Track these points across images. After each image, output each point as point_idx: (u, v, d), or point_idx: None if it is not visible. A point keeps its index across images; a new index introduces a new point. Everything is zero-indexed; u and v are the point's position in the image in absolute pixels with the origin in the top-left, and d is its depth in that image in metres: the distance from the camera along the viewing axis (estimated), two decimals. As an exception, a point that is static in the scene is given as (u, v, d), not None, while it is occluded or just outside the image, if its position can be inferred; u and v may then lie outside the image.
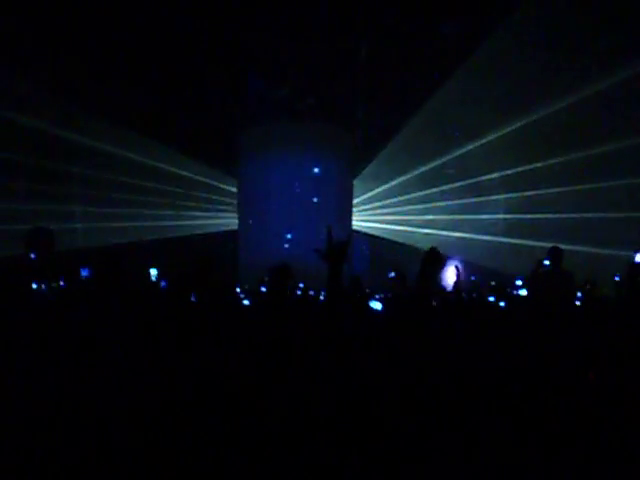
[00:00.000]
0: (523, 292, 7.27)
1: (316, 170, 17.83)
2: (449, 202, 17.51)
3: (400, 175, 17.78)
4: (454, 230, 17.41)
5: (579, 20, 12.04)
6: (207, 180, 18.54)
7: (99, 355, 3.29)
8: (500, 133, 15.13)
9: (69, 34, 12.94)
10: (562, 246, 6.61)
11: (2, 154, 13.61)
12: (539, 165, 15.00)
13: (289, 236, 17.61)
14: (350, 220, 18.27)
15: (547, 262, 6.61)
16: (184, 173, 17.77)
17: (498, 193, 16.86)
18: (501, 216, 17.10)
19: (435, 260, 3.74)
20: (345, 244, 3.25)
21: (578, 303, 7.02)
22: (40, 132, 14.25)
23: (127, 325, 3.70)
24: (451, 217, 17.55)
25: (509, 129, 14.88)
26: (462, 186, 17.04)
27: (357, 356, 3.37)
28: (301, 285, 11.20)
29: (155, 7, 12.81)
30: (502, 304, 7.45)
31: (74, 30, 12.86)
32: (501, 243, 16.60)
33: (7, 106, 13.13)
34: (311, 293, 10.22)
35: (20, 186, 15.02)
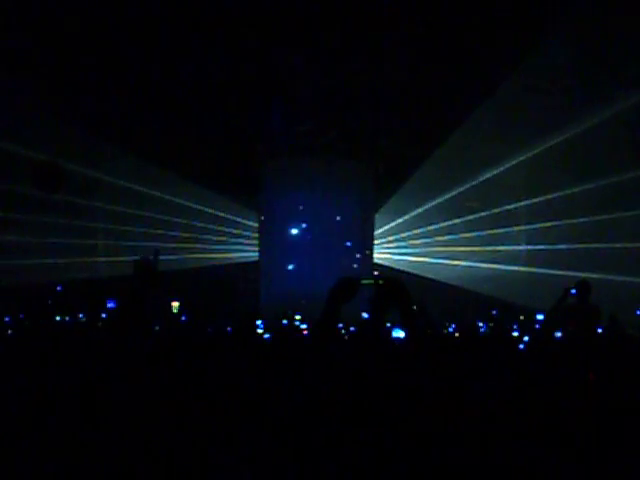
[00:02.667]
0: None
1: (338, 204, 17.86)
2: (472, 233, 17.43)
3: (421, 207, 17.77)
4: (476, 261, 17.32)
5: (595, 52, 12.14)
6: (228, 213, 18.65)
7: (118, 389, 3.31)
8: (522, 162, 15.12)
9: (89, 68, 13.18)
10: (583, 274, 6.54)
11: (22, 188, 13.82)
12: (562, 194, 14.94)
13: (310, 269, 17.60)
14: (371, 253, 18.25)
15: (573, 292, 6.53)
16: (206, 208, 17.93)
17: (520, 223, 16.79)
18: (523, 247, 17.00)
19: None
20: (354, 284, 3.24)
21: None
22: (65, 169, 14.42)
23: (147, 360, 3.72)
24: (472, 248, 17.47)
25: (531, 158, 14.87)
26: (484, 217, 16.98)
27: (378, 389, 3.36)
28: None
29: (179, 39, 13.00)
30: (526, 339, 7.38)
31: (94, 64, 13.08)
32: (522, 274, 16.48)
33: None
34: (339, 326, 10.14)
35: (43, 220, 15.22)
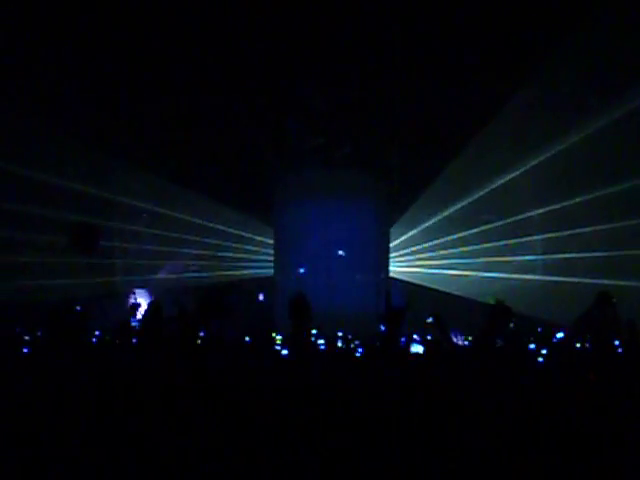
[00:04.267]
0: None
1: (352, 219, 17.91)
2: (487, 244, 17.37)
3: (436, 218, 17.75)
4: (492, 271, 17.26)
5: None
6: (245, 229, 18.72)
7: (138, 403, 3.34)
8: (536, 168, 15.12)
9: (98, 84, 13.31)
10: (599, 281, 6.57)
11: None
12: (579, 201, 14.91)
13: (325, 284, 17.64)
14: (387, 268, 18.25)
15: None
16: (223, 224, 18.03)
17: (537, 233, 16.73)
18: (540, 256, 16.94)
19: (504, 314, 3.76)
20: (403, 310, 3.30)
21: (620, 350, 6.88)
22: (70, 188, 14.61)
23: (164, 374, 3.75)
24: (489, 259, 17.40)
25: (545, 164, 14.87)
26: (500, 227, 16.94)
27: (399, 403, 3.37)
28: (339, 333, 11.16)
29: (195, 55, 13.12)
30: (544, 351, 7.33)
31: (102, 80, 13.22)
32: (539, 285, 16.41)
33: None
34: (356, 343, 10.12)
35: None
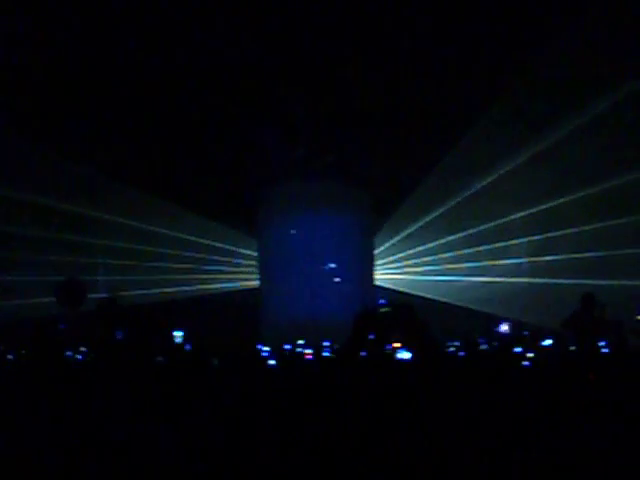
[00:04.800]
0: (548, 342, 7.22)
1: (336, 229, 17.93)
2: (470, 249, 17.45)
3: (419, 225, 17.83)
4: (475, 276, 17.33)
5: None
6: (229, 241, 18.70)
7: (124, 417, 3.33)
8: (516, 175, 15.26)
9: (79, 98, 13.27)
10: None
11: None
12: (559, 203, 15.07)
13: (311, 294, 17.64)
14: (371, 277, 18.27)
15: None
16: (206, 237, 18.00)
17: (520, 236, 16.85)
18: (524, 259, 17.05)
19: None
20: (374, 312, 3.30)
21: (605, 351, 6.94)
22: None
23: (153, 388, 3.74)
24: (473, 264, 17.48)
25: (524, 171, 15.02)
26: (481, 231, 17.04)
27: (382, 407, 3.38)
28: (326, 343, 11.16)
29: (172, 66, 13.12)
30: (531, 354, 7.36)
31: (84, 93, 13.18)
32: (524, 288, 16.52)
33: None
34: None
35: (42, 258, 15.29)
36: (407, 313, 3.64)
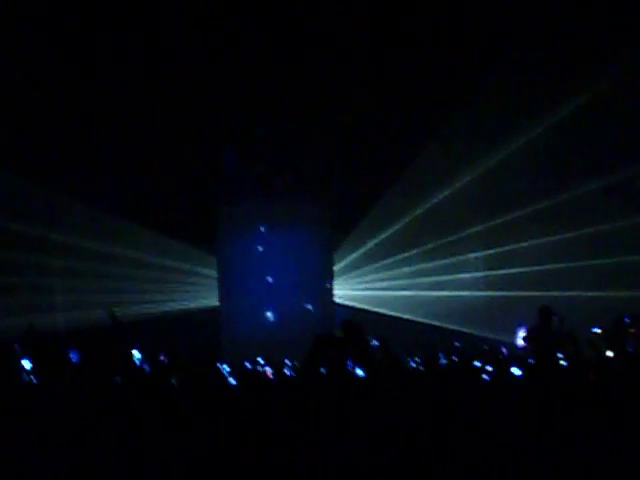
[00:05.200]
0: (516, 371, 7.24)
1: (295, 246, 17.95)
2: (429, 263, 17.58)
3: (378, 241, 17.92)
4: (435, 290, 17.46)
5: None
6: (188, 260, 18.55)
7: (89, 441, 3.27)
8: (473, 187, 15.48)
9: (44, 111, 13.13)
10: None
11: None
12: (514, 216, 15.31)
13: (270, 312, 17.62)
14: (331, 294, 18.30)
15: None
16: (164, 256, 17.85)
17: (477, 249, 17.05)
18: (481, 273, 17.25)
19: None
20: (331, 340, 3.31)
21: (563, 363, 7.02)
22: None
23: (114, 411, 3.68)
24: (432, 279, 17.60)
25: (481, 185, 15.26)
26: (440, 245, 17.20)
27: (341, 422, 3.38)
28: (287, 362, 11.13)
29: (133, 85, 13.06)
30: (489, 368, 7.41)
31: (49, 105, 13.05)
32: (482, 302, 16.71)
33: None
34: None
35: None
36: (358, 334, 3.68)
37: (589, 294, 13.91)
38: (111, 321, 3.89)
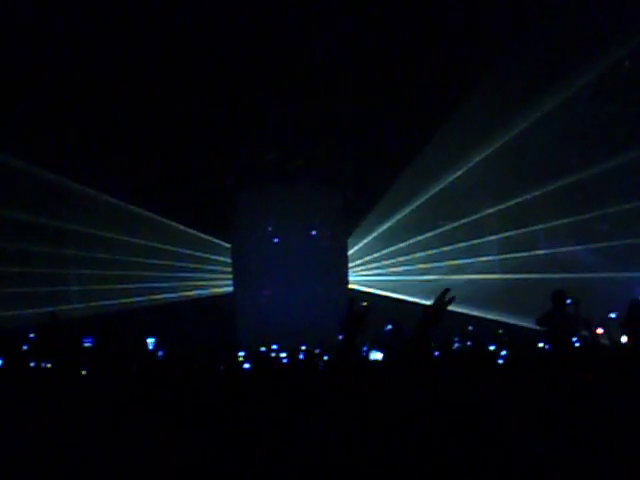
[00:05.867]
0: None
1: (309, 231, 17.92)
2: (445, 248, 17.48)
3: (393, 225, 17.84)
4: (452, 274, 17.37)
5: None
6: (202, 248, 18.59)
7: (97, 427, 3.27)
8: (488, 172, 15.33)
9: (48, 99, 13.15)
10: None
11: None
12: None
13: (285, 297, 17.63)
14: (346, 278, 18.27)
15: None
16: (179, 244, 17.90)
17: (492, 233, 16.92)
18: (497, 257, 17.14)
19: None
20: (363, 315, 3.26)
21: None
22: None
23: (126, 395, 3.69)
24: (446, 263, 17.52)
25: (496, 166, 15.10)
26: (455, 229, 17.09)
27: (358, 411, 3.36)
28: (303, 347, 11.13)
29: (147, 72, 13.05)
30: (504, 352, 7.39)
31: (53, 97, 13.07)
32: (497, 285, 16.61)
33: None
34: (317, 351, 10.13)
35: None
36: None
37: (605, 275, 13.75)
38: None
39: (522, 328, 12.61)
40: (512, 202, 15.61)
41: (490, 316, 15.67)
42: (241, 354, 9.90)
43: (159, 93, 13.73)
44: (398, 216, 17.59)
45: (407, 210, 17.37)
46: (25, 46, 11.88)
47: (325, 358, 9.15)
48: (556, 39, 12.12)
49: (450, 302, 3.26)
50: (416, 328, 3.60)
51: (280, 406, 3.59)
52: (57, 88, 12.92)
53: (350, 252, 18.64)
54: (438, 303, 3.30)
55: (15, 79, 12.47)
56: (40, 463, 3.09)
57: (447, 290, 3.34)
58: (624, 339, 6.59)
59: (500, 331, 12.73)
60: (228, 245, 18.56)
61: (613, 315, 7.25)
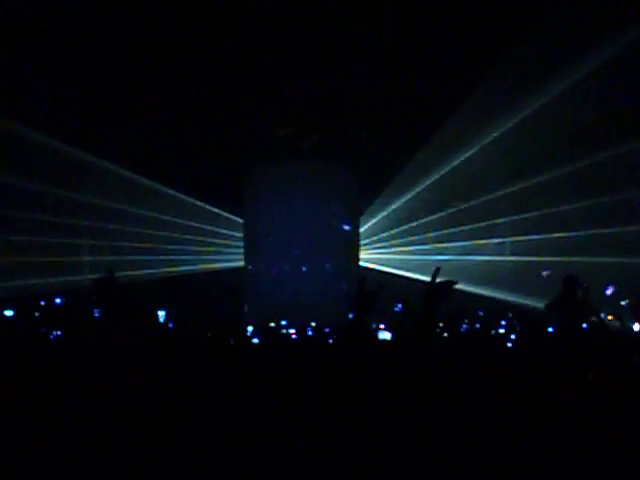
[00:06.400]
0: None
1: (322, 208, 17.92)
2: (455, 229, 17.48)
3: (404, 205, 17.84)
4: (464, 255, 17.38)
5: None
6: (215, 221, 18.68)
7: (106, 399, 3.31)
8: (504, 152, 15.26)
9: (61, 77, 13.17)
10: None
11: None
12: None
13: (296, 274, 17.67)
14: (357, 256, 18.29)
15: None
16: (191, 217, 18.00)
17: (502, 215, 16.88)
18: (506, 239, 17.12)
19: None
20: (374, 294, 3.27)
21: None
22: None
23: (135, 368, 3.72)
24: (457, 244, 17.53)
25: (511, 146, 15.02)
26: (465, 210, 17.07)
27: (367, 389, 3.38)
28: (312, 324, 11.16)
29: (159, 47, 13.02)
30: (513, 336, 7.39)
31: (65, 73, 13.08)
32: (508, 268, 16.61)
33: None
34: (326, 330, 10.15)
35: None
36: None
37: (615, 260, 13.64)
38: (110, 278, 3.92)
39: (534, 311, 12.55)
40: (522, 185, 15.56)
41: (501, 296, 15.67)
42: (249, 328, 9.97)
43: (175, 66, 13.70)
44: (410, 195, 17.58)
45: (419, 189, 17.36)
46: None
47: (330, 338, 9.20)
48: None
49: (437, 274, 3.27)
50: (422, 308, 3.61)
51: (287, 382, 3.61)
52: (75, 60, 12.93)
53: (362, 230, 18.66)
54: (434, 282, 3.30)
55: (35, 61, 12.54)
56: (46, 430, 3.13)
57: (438, 269, 3.35)
58: (636, 327, 6.53)
59: (510, 314, 12.67)
60: (242, 220, 18.65)
61: (624, 303, 7.21)
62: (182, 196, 17.51)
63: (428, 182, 17.07)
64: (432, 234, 17.88)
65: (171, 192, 17.22)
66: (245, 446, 3.16)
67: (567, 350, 5.23)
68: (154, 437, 3.18)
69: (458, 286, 3.59)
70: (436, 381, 3.59)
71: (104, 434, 3.12)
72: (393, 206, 18.15)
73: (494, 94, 14.01)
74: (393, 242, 18.64)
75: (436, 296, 3.36)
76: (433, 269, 3.39)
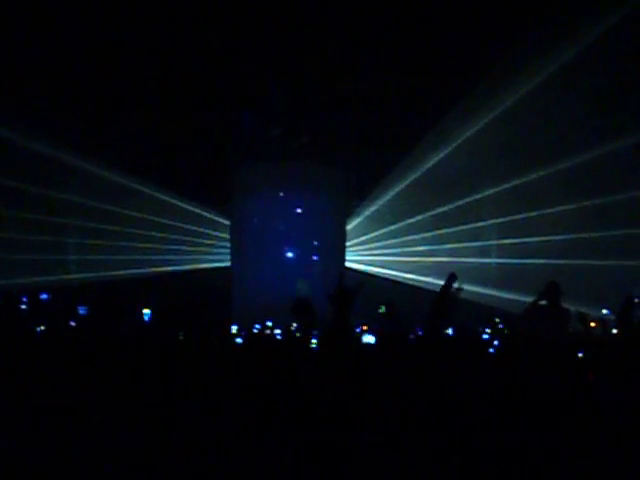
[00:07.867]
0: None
1: (308, 209, 17.92)
2: (442, 230, 17.47)
3: (390, 205, 17.85)
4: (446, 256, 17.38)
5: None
6: (201, 221, 18.63)
7: (91, 399, 3.30)
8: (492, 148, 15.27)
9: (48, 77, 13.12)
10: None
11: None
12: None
13: (282, 274, 17.65)
14: (343, 258, 18.29)
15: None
16: (178, 216, 17.94)
17: (488, 218, 16.90)
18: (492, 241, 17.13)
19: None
20: (355, 290, 3.27)
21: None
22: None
23: (120, 366, 3.71)
24: (445, 246, 17.53)
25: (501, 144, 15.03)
26: (450, 211, 17.06)
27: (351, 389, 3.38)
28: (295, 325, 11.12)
29: (148, 43, 12.99)
30: (496, 342, 7.38)
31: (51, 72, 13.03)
32: (493, 272, 16.62)
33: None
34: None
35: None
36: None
37: (600, 263, 13.65)
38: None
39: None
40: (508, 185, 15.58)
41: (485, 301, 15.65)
42: (234, 327, 9.95)
43: (161, 65, 13.68)
44: (397, 196, 17.58)
45: (407, 191, 17.36)
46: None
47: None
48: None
49: (460, 292, 3.25)
50: (425, 324, 3.61)
51: (271, 381, 3.61)
52: (59, 61, 12.87)
53: (349, 229, 18.66)
54: (445, 292, 3.29)
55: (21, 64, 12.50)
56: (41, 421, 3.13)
57: (453, 276, 3.29)
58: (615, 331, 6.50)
59: (496, 319, 12.57)
60: (228, 222, 18.60)
61: (605, 311, 7.18)
62: (166, 197, 17.46)
63: (415, 183, 17.08)
64: (419, 236, 17.88)
65: (157, 193, 17.16)
66: (227, 444, 3.16)
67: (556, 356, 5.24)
68: (135, 432, 3.18)
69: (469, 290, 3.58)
70: (429, 384, 3.60)
71: (88, 428, 3.11)
72: (380, 206, 18.16)
73: (483, 97, 14.07)
74: (380, 244, 18.64)
75: (442, 308, 3.38)
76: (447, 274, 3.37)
